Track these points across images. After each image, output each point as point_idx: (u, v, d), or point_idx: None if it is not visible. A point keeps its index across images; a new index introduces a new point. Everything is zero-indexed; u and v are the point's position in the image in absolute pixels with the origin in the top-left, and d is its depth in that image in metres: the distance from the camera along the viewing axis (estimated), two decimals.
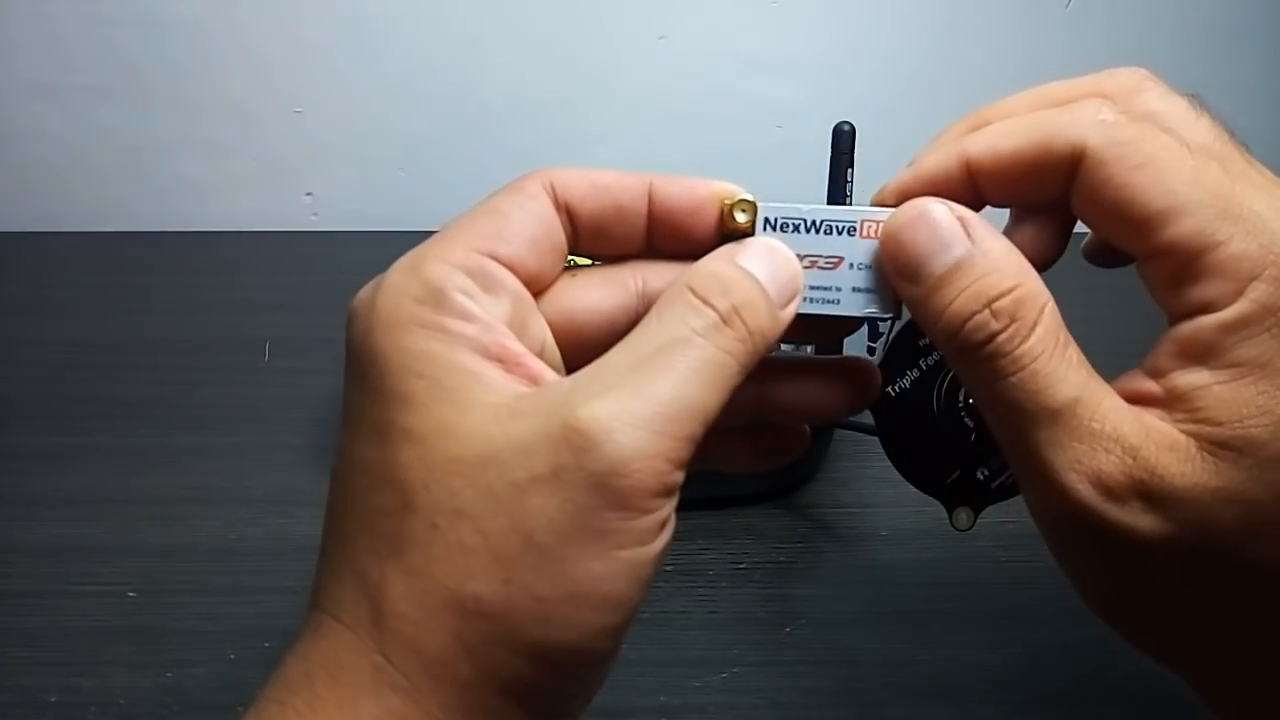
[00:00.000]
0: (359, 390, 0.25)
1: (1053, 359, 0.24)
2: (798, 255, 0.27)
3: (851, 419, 0.51)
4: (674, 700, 0.41)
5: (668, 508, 0.24)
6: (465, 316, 0.24)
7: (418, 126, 0.82)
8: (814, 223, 0.27)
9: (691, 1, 0.80)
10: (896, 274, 0.27)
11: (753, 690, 0.42)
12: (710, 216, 0.28)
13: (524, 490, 0.22)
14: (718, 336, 0.24)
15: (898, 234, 0.26)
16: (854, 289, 0.27)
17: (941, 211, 0.26)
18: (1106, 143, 0.25)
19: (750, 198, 0.27)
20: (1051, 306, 0.25)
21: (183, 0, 0.78)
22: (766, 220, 0.27)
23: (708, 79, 0.82)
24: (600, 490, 0.22)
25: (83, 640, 0.44)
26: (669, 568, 0.48)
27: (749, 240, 0.27)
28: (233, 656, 0.42)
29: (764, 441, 0.31)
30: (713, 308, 0.25)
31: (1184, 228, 0.24)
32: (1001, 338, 0.25)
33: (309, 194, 0.84)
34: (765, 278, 0.26)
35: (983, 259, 0.25)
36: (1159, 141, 0.25)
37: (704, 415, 0.24)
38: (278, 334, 0.67)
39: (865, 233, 0.27)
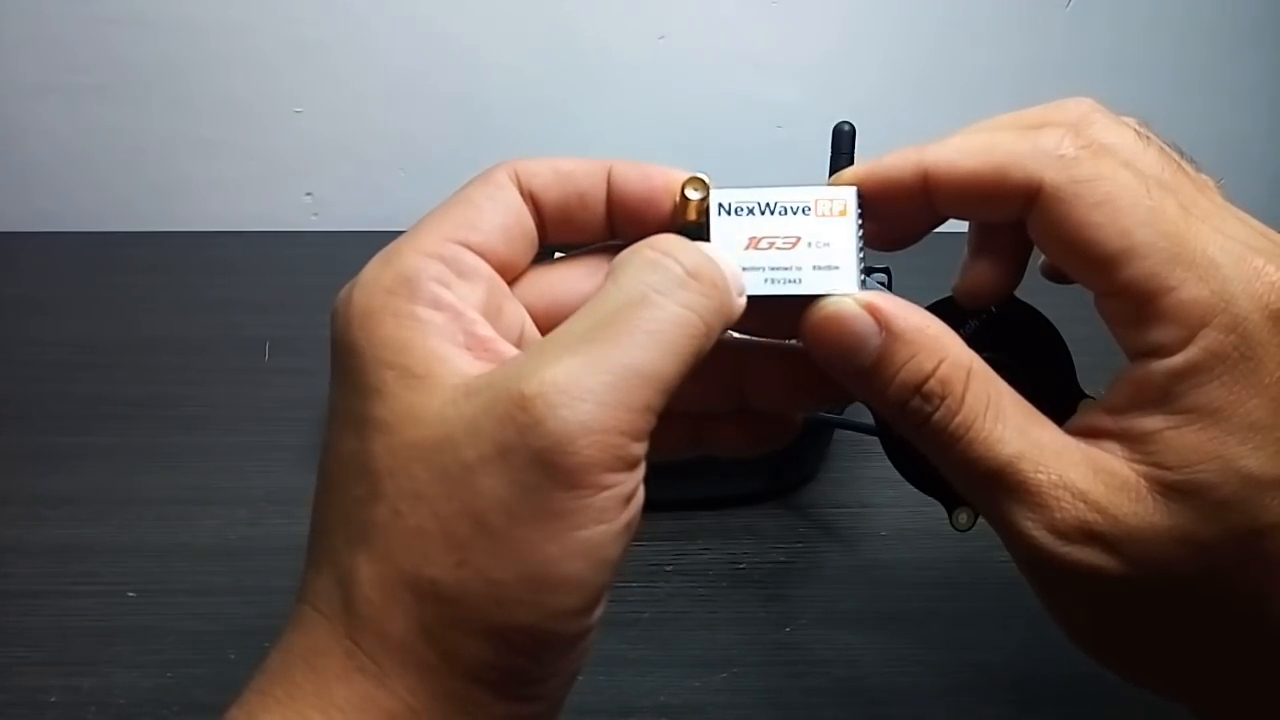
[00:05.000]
0: (339, 385, 0.25)
1: (986, 422, 0.25)
2: (755, 238, 0.27)
3: (851, 419, 0.51)
4: (674, 700, 0.41)
5: (629, 482, 0.23)
6: (436, 304, 0.24)
7: (418, 126, 0.82)
8: (768, 205, 0.27)
9: (691, 1, 0.80)
10: (828, 370, 0.27)
11: (753, 690, 0.42)
12: (666, 205, 0.28)
13: (473, 470, 0.22)
14: (680, 292, 0.24)
15: (815, 336, 0.26)
16: (814, 267, 0.27)
17: (849, 307, 0.26)
18: (1065, 180, 0.25)
19: (703, 176, 0.27)
20: (976, 368, 0.26)
21: (182, 0, 0.78)
22: (720, 205, 0.27)
23: (708, 79, 0.82)
24: (546, 469, 0.22)
25: (83, 640, 0.44)
26: (669, 568, 0.48)
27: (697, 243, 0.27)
28: (233, 656, 0.42)
29: (754, 427, 0.31)
30: (676, 260, 0.24)
31: (1138, 270, 0.24)
32: (935, 417, 0.25)
33: (309, 194, 0.84)
34: (718, 260, 0.26)
35: (900, 346, 0.26)
36: (1118, 180, 0.25)
37: (662, 382, 0.23)
38: (278, 334, 0.67)
39: (820, 211, 0.27)
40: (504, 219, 0.27)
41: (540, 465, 0.22)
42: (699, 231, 0.27)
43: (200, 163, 0.83)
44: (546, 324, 0.28)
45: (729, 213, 0.27)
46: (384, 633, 0.23)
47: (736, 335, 0.28)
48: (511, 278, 0.27)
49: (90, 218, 0.83)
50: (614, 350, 0.23)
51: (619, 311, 0.23)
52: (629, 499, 0.23)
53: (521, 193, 0.27)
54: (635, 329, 0.23)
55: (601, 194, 0.28)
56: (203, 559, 0.49)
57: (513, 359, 0.24)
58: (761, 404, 0.30)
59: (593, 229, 0.28)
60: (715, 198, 0.27)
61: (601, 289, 0.24)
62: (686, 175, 0.28)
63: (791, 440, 0.31)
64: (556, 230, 0.28)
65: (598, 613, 0.24)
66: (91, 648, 0.43)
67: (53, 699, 0.41)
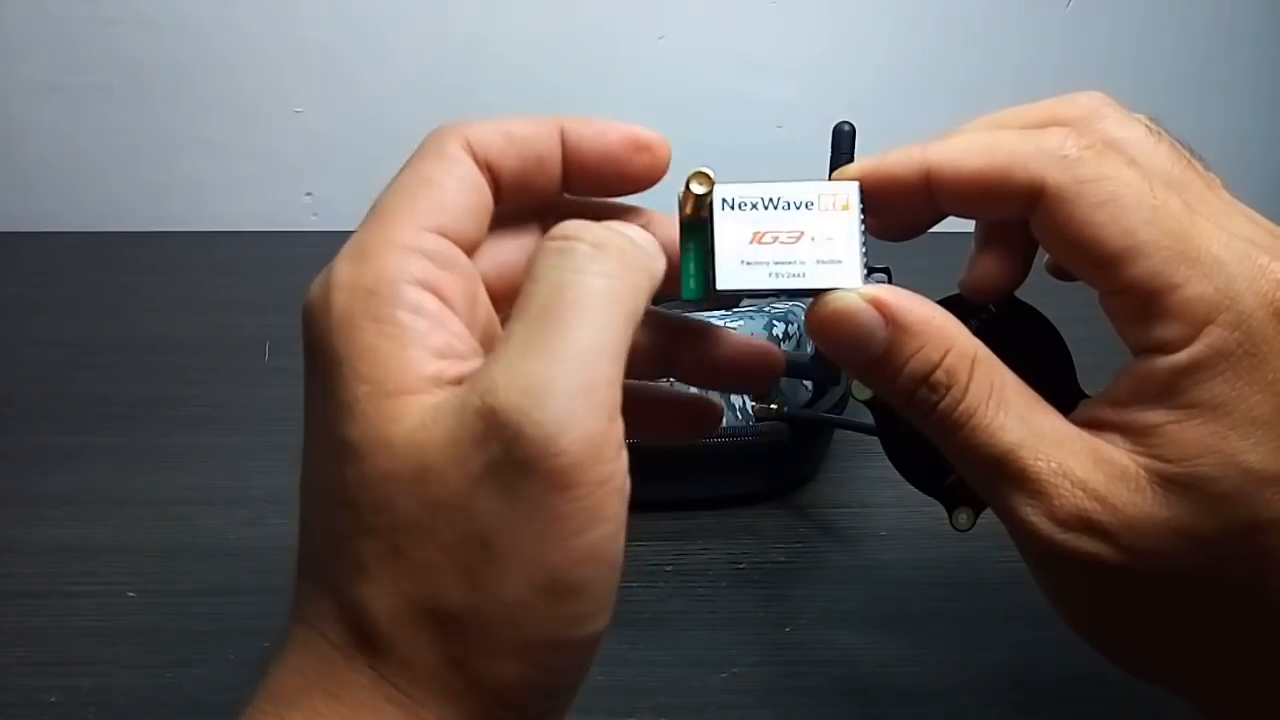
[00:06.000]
0: (314, 387, 0.24)
1: (989, 409, 0.25)
2: (759, 232, 0.27)
3: (851, 419, 0.51)
4: (674, 700, 0.41)
5: (618, 474, 0.22)
6: (418, 310, 0.24)
7: (418, 126, 0.81)
8: (772, 200, 0.27)
9: (691, 1, 0.80)
10: (837, 362, 0.27)
11: (752, 690, 0.42)
12: (625, 162, 0.27)
13: (468, 495, 0.22)
14: (594, 264, 0.23)
15: (822, 331, 0.27)
16: (818, 262, 0.27)
17: (854, 302, 0.26)
18: (1068, 180, 0.25)
19: (707, 170, 0.27)
20: (981, 355, 0.26)
21: (183, 0, 0.78)
22: (724, 200, 0.27)
23: (708, 79, 0.82)
24: (537, 476, 0.21)
25: (83, 640, 0.44)
26: (669, 568, 0.48)
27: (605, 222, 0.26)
28: (232, 656, 0.42)
29: (680, 413, 0.31)
30: (578, 240, 0.24)
31: (1142, 269, 0.24)
32: (941, 406, 0.26)
33: (309, 194, 0.84)
34: (625, 231, 0.25)
35: (907, 339, 0.26)
36: (1121, 179, 0.25)
37: (613, 351, 0.23)
38: (278, 334, 0.67)
39: (823, 206, 0.27)
40: (469, 198, 0.26)
41: (531, 474, 0.21)
42: (702, 226, 0.27)
43: (201, 163, 0.83)
44: (499, 292, 0.27)
45: (732, 207, 0.27)
46: (410, 663, 0.22)
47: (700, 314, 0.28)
48: (473, 253, 0.27)
49: (91, 217, 0.83)
50: (557, 339, 0.22)
51: (546, 304, 0.23)
52: (620, 492, 0.23)
53: (477, 162, 0.26)
54: (564, 311, 0.23)
55: (557, 155, 0.27)
56: (203, 559, 0.49)
57: (470, 378, 0.23)
58: (685, 375, 0.31)
59: (549, 191, 0.28)
60: (719, 192, 0.27)
61: (523, 289, 0.24)
62: (639, 130, 0.27)
63: (714, 430, 0.32)
64: (512, 195, 0.27)
65: (609, 615, 0.24)
66: (91, 648, 0.43)
67: (53, 699, 0.41)
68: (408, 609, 0.22)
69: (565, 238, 0.24)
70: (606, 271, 0.23)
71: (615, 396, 0.23)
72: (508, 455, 0.21)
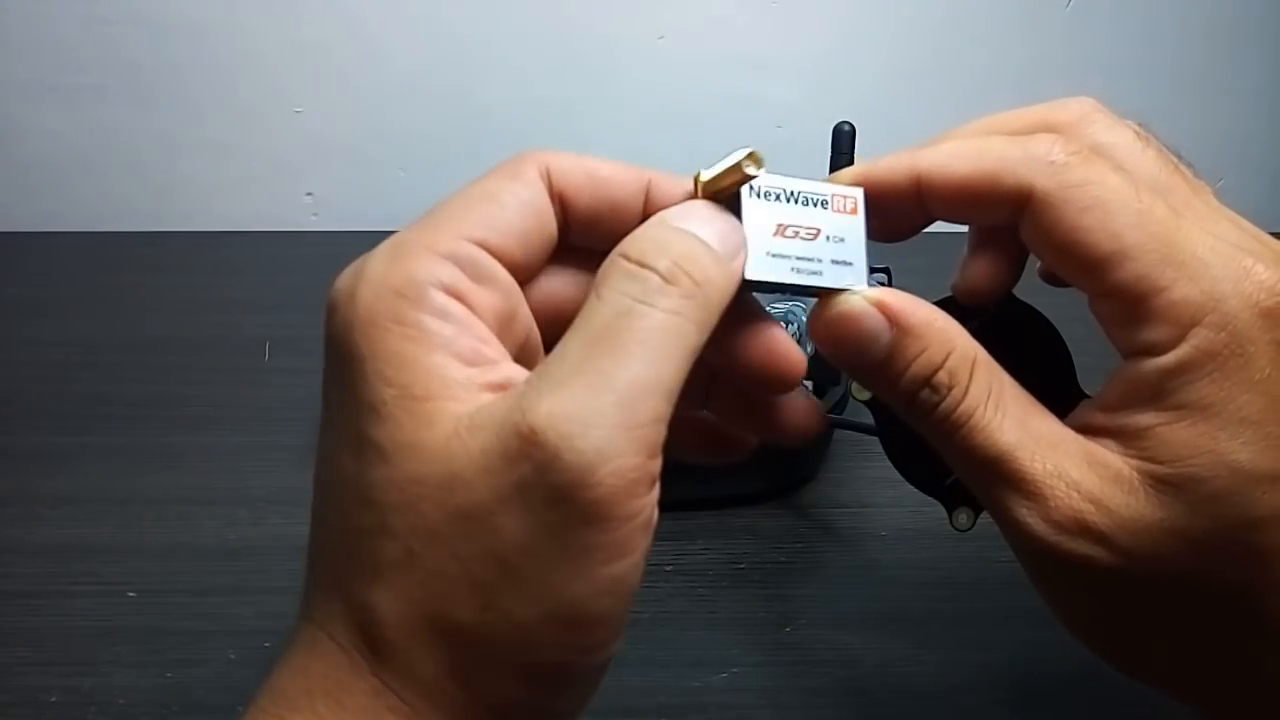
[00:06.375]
0: (336, 388, 0.24)
1: (988, 410, 0.26)
2: (783, 225, 0.27)
3: (851, 419, 0.51)
4: (674, 700, 0.41)
5: (648, 508, 0.22)
6: (444, 315, 0.23)
7: (418, 126, 0.82)
8: (793, 193, 0.27)
9: (691, 1, 0.80)
10: (838, 364, 0.27)
11: (753, 690, 0.42)
12: None
13: (492, 511, 0.21)
14: (663, 299, 0.23)
15: (827, 333, 0.27)
16: (833, 261, 0.27)
17: (860, 304, 0.26)
18: (1055, 185, 0.25)
19: (759, 153, 0.26)
20: (980, 358, 0.26)
21: (183, 0, 0.78)
22: (751, 189, 0.27)
23: (708, 79, 0.82)
24: (569, 505, 0.21)
25: (83, 640, 0.44)
26: (669, 568, 0.48)
27: (683, 203, 0.26)
28: (233, 656, 0.42)
29: (712, 436, 0.31)
30: (651, 269, 0.23)
31: (1129, 272, 0.24)
32: (942, 406, 0.26)
33: (309, 194, 0.84)
34: (704, 233, 0.25)
35: (910, 341, 0.26)
36: (1107, 184, 0.25)
37: (666, 389, 0.22)
38: (278, 334, 0.67)
39: (836, 207, 0.27)
40: (525, 221, 0.25)
41: (562, 502, 0.21)
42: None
43: (201, 163, 0.83)
44: (551, 328, 0.27)
45: (759, 197, 0.27)
46: (413, 673, 0.22)
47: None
48: (525, 279, 0.26)
49: (91, 217, 0.83)
50: (612, 367, 0.22)
51: (607, 328, 0.23)
52: (648, 525, 0.23)
53: (550, 192, 0.26)
54: (627, 342, 0.22)
55: (637, 206, 0.27)
56: (203, 559, 0.49)
57: (514, 390, 0.23)
58: (723, 417, 0.30)
59: (619, 235, 0.27)
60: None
61: (586, 305, 0.23)
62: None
63: (744, 458, 0.31)
64: (582, 234, 0.27)
65: (620, 643, 0.24)
66: (91, 648, 0.43)
67: (53, 699, 0.41)
68: (416, 617, 0.22)
69: (641, 264, 0.23)
70: (673, 309, 0.23)
71: (660, 434, 0.22)
72: (540, 478, 0.21)
